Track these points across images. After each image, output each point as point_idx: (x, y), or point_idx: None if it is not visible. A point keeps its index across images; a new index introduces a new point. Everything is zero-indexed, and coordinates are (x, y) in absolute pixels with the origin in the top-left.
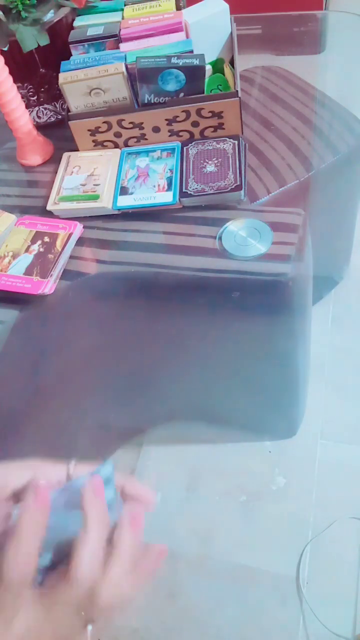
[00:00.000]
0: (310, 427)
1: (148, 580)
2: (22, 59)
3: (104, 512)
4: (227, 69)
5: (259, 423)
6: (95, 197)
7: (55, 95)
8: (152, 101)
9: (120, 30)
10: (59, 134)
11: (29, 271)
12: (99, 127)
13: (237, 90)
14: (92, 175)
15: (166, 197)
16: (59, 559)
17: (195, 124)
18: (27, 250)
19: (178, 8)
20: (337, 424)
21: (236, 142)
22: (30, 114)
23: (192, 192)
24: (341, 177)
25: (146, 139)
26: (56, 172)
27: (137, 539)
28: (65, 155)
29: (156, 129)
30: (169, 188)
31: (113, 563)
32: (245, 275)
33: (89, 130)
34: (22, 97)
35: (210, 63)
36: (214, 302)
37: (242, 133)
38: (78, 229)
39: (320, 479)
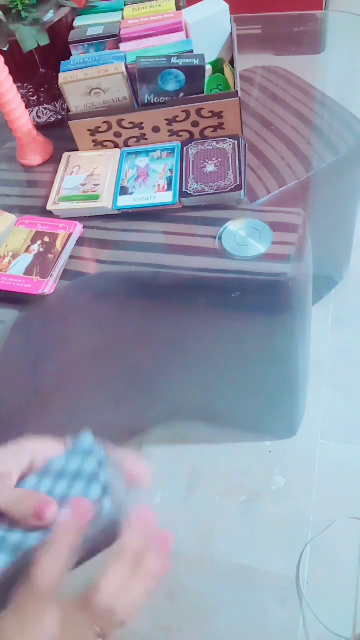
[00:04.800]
0: (310, 427)
1: (156, 584)
2: (22, 59)
3: (141, 547)
4: (227, 69)
5: (259, 423)
6: (95, 197)
7: (55, 95)
8: (152, 101)
9: (120, 30)
10: (59, 134)
11: (29, 271)
12: (99, 127)
13: (237, 90)
14: (92, 175)
15: (166, 197)
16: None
17: (195, 124)
18: (27, 250)
19: (178, 8)
20: (337, 424)
21: (236, 142)
22: (30, 114)
23: (192, 192)
24: (341, 177)
25: (146, 139)
26: (56, 172)
27: (164, 561)
28: (65, 155)
29: (156, 129)
30: (169, 188)
31: (136, 582)
32: (245, 275)
33: (89, 130)
34: (22, 97)
35: (210, 63)
36: (214, 302)
37: (242, 133)
38: (78, 229)
39: (320, 479)
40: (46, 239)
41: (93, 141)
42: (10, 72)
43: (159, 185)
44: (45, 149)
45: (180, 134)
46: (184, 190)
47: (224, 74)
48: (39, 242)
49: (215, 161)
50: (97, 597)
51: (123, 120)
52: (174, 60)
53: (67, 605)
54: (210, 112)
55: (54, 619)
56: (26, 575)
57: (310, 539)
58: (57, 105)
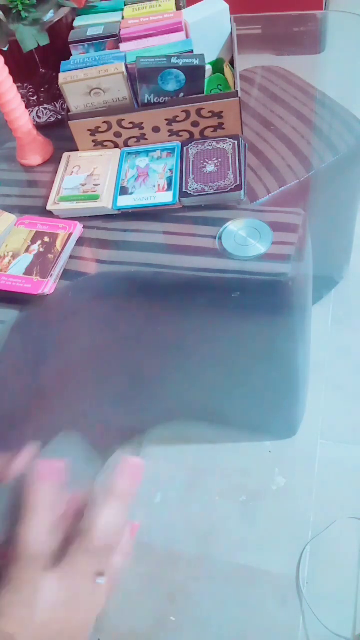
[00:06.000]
0: (310, 427)
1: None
2: (22, 59)
3: (133, 494)
4: (227, 69)
5: (259, 423)
6: (95, 197)
7: (55, 95)
8: (152, 101)
9: (120, 30)
10: (59, 134)
11: (29, 271)
12: (99, 127)
13: (237, 90)
14: (92, 175)
15: (166, 197)
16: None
17: (195, 124)
18: (27, 250)
19: (178, 8)
20: (337, 424)
21: (236, 142)
22: (30, 114)
23: (192, 192)
24: (341, 177)
25: (146, 139)
26: (56, 172)
27: (137, 486)
28: (65, 155)
29: (156, 129)
30: (169, 188)
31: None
32: (245, 275)
33: (89, 130)
34: (22, 97)
35: (210, 63)
36: (214, 302)
37: (242, 133)
38: (78, 229)
39: (320, 479)
40: (46, 239)
41: (93, 141)
42: (10, 72)
43: (159, 185)
44: (45, 149)
45: (180, 134)
46: (184, 190)
47: (224, 74)
48: (39, 242)
49: (215, 161)
50: (94, 534)
51: (123, 120)
52: (174, 60)
53: (68, 571)
54: (210, 112)
55: (53, 580)
56: (13, 545)
57: (310, 539)
58: (57, 105)
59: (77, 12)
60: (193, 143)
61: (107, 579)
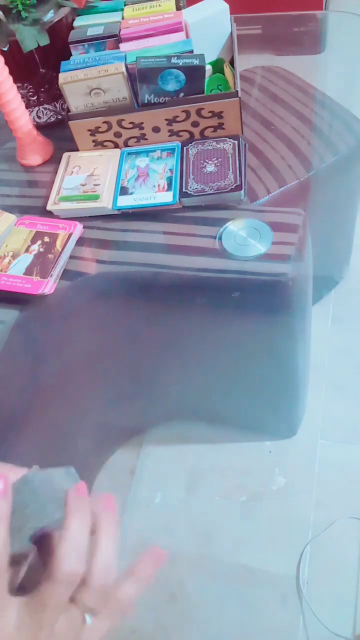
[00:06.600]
0: (310, 427)
1: (148, 580)
2: (22, 59)
3: (86, 508)
4: (227, 69)
5: (259, 423)
6: (95, 197)
7: (55, 95)
8: (152, 101)
9: (120, 30)
10: (59, 134)
11: (29, 271)
12: (99, 127)
13: (237, 90)
14: (92, 175)
15: (166, 197)
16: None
17: (195, 124)
18: (27, 250)
19: (178, 8)
20: (337, 424)
21: (236, 142)
22: (30, 114)
23: (192, 192)
24: (341, 177)
25: (146, 139)
26: (56, 172)
27: (115, 518)
28: (65, 155)
29: (156, 129)
30: (169, 188)
31: (98, 548)
32: (245, 275)
33: (89, 130)
34: (22, 97)
35: (210, 63)
36: (214, 302)
37: (242, 133)
38: (78, 229)
39: (320, 479)
40: (46, 239)
41: (93, 141)
42: (10, 72)
43: (159, 185)
44: (45, 149)
45: (180, 134)
46: (184, 190)
47: (224, 74)
48: (39, 242)
49: (215, 161)
50: (57, 571)
51: (123, 120)
52: (174, 60)
53: (35, 598)
54: (210, 112)
55: (17, 603)
56: None
57: (310, 539)
58: (57, 105)
59: (77, 12)
60: (193, 143)
61: (98, 617)
